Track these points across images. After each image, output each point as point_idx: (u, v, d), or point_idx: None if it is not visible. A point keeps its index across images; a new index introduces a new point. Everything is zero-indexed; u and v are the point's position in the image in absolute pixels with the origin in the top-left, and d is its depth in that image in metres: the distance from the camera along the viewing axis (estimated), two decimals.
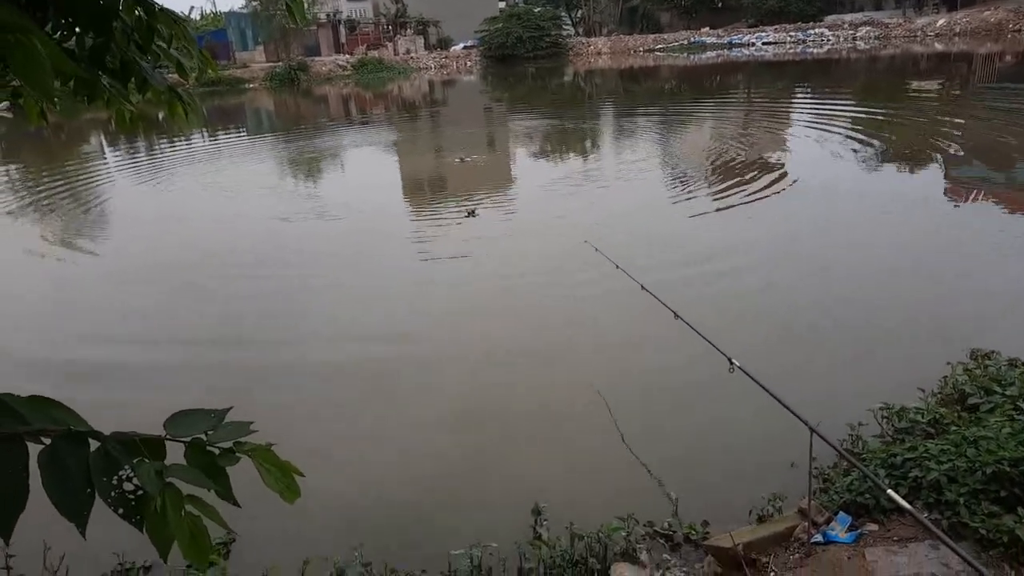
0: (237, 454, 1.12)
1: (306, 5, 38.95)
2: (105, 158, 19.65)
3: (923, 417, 3.74)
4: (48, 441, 1.01)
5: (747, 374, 3.14)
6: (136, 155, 19.29)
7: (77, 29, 2.20)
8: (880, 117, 16.25)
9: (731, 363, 3.26)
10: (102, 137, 22.56)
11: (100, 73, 2.35)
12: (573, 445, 4.44)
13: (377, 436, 4.72)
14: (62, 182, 15.05)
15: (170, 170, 16.30)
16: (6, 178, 17.39)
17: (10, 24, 1.03)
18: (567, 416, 4.74)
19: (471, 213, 9.81)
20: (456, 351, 5.84)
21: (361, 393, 5.29)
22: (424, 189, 13.14)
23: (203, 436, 1.11)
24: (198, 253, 9.07)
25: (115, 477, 1.00)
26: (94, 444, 1.03)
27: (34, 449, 1.01)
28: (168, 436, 1.10)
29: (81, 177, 15.76)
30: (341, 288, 7.47)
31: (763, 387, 3.02)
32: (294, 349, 6.07)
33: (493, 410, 4.89)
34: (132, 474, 1.01)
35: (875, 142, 13.06)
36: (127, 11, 2.02)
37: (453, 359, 5.70)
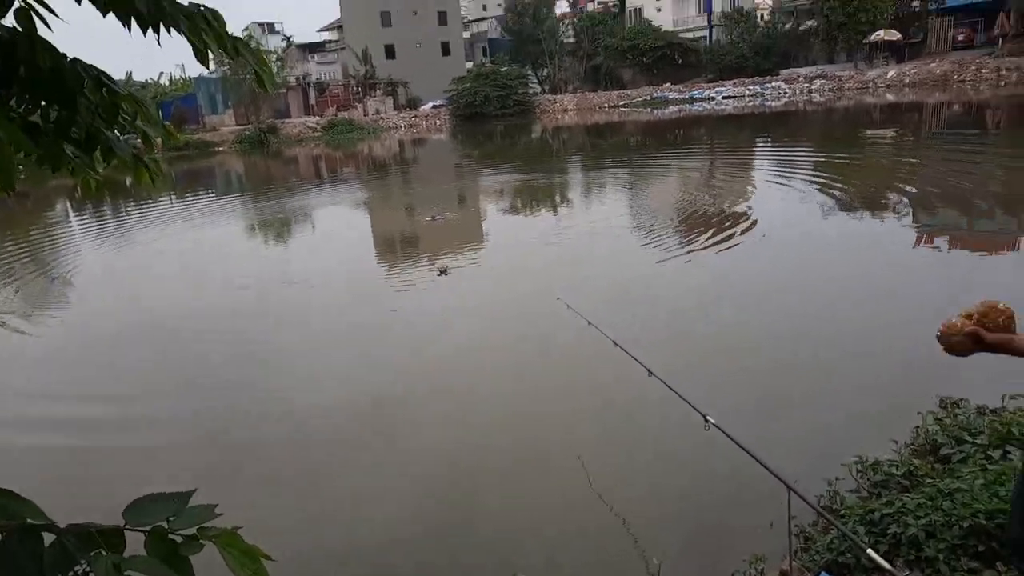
0: (201, 540, 1.08)
1: (275, 70, 39.52)
2: (71, 223, 19.44)
3: (897, 470, 3.73)
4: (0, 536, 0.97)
5: (723, 431, 3.13)
6: (103, 219, 19.11)
7: (43, 104, 2.21)
8: (839, 163, 16.79)
9: (706, 420, 3.25)
10: (68, 203, 22.35)
11: (64, 143, 2.35)
12: (549, 508, 4.37)
13: (345, 501, 4.60)
14: (25, 249, 14.81)
15: (136, 234, 16.15)
16: None
17: None
18: (541, 477, 4.67)
19: (443, 272, 9.82)
20: (427, 414, 5.76)
21: (325, 465, 5.17)
22: (395, 248, 13.17)
23: (164, 523, 1.07)
24: (156, 319, 8.91)
25: (71, 573, 0.96)
26: (49, 537, 0.99)
27: None
28: (127, 525, 1.06)
29: (45, 244, 15.53)
30: (306, 351, 7.36)
31: (739, 445, 3.01)
32: (255, 415, 5.94)
33: (465, 475, 4.80)
34: (88, 569, 0.97)
35: (836, 188, 13.45)
36: (91, 91, 2.03)
37: (424, 422, 5.62)
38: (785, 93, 43.39)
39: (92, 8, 1.78)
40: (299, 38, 65.07)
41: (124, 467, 5.23)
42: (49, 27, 1.94)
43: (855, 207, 12.18)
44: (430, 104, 52.69)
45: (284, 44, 55.76)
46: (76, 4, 1.70)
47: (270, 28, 63.60)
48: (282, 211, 18.66)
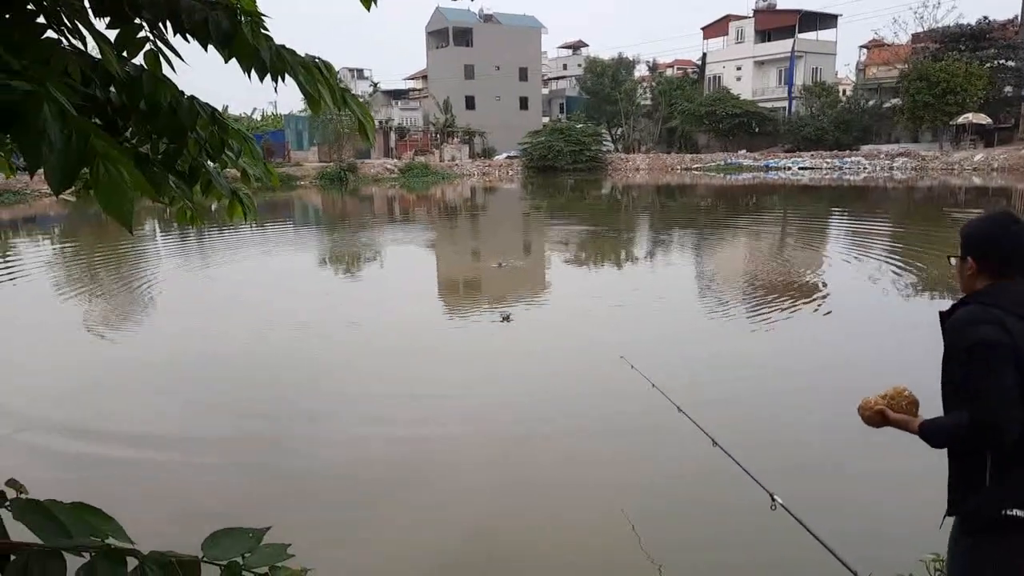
0: None
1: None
2: (156, 241, 20.49)
3: None
4: (87, 556, 0.99)
5: (790, 513, 2.99)
6: (186, 240, 20.06)
7: (153, 136, 2.34)
8: (919, 245, 16.24)
9: (773, 499, 3.11)
10: (156, 222, 23.57)
11: (168, 174, 2.48)
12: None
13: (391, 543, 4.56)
14: (113, 263, 15.65)
15: (214, 258, 16.87)
16: (61, 256, 18.17)
17: (105, 155, 1.10)
18: (594, 550, 4.53)
19: (506, 318, 9.87)
20: (479, 468, 5.71)
21: (366, 514, 5.16)
22: (459, 291, 13.33)
23: (239, 559, 1.08)
24: (225, 345, 9.19)
25: None
26: (132, 562, 1.01)
27: (73, 562, 0.99)
28: (204, 558, 1.08)
29: (130, 258, 16.38)
30: (357, 396, 7.42)
31: (808, 529, 2.87)
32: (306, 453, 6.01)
33: (513, 541, 4.69)
34: None
35: (914, 268, 12.99)
36: (203, 127, 2.15)
37: (475, 476, 5.56)
38: (865, 168, 42.56)
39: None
40: (385, 84, 67.90)
41: (170, 484, 5.35)
42: (173, 68, 2.08)
43: (932, 288, 11.71)
44: (504, 155, 53.87)
45: (371, 89, 58.19)
46: (203, 50, 1.82)
47: (359, 73, 66.59)
48: (353, 246, 19.21)
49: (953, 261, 2.39)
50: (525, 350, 8.63)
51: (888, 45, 52.60)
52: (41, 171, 1.10)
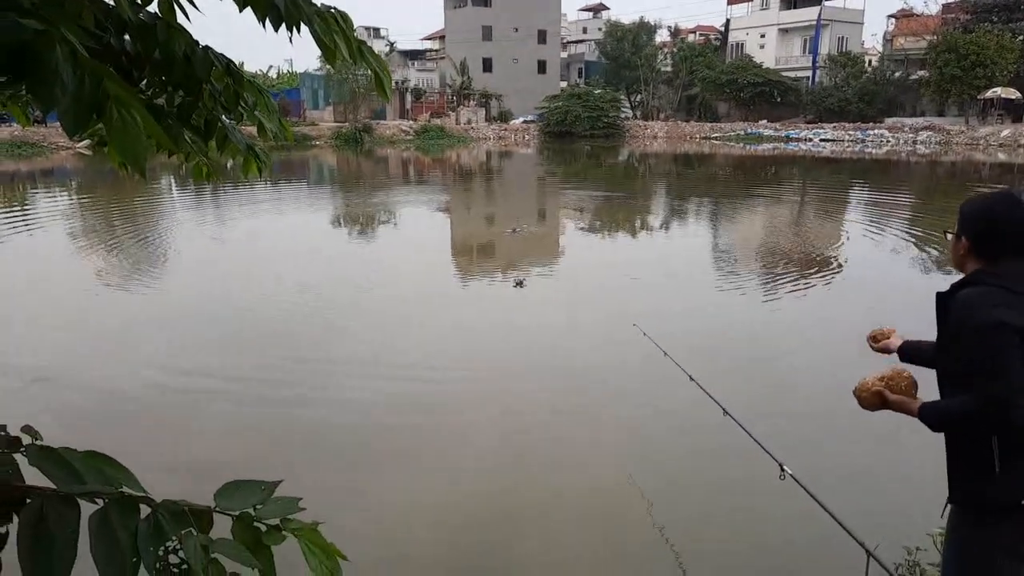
0: (284, 532, 1.09)
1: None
2: (172, 196, 20.57)
3: None
4: (99, 503, 1.00)
5: (799, 483, 2.99)
6: (201, 196, 20.12)
7: (168, 88, 2.31)
8: (939, 220, 16.00)
9: (782, 469, 3.11)
10: (172, 178, 23.63)
11: (183, 128, 2.46)
12: (607, 546, 4.26)
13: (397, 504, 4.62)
14: (128, 217, 15.73)
15: (229, 213, 16.92)
16: (79, 209, 18.28)
17: (118, 98, 1.08)
18: (602, 511, 4.57)
19: (519, 284, 9.85)
20: (487, 432, 5.74)
21: (374, 474, 5.21)
22: (472, 256, 13.30)
23: (251, 510, 1.09)
24: (236, 301, 9.25)
25: (162, 548, 0.98)
26: (145, 510, 1.01)
27: (86, 509, 1.00)
28: (217, 508, 1.08)
29: (145, 212, 16.46)
30: (366, 357, 7.46)
31: (816, 500, 2.87)
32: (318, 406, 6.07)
33: (522, 503, 4.73)
34: (179, 546, 0.99)
35: (933, 245, 12.82)
36: (217, 78, 2.11)
37: (479, 438, 5.60)
38: (888, 141, 41.83)
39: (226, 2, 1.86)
40: (402, 44, 67.10)
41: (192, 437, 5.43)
42: (188, 16, 2.04)
43: (950, 265, 11.55)
44: (521, 119, 53.30)
45: (387, 49, 57.53)
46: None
47: (375, 33, 65.78)
48: (367, 207, 19.19)
49: (949, 236, 2.33)
50: (537, 316, 8.62)
51: (917, 15, 51.23)
52: (57, 124, 1.08)
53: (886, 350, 2.83)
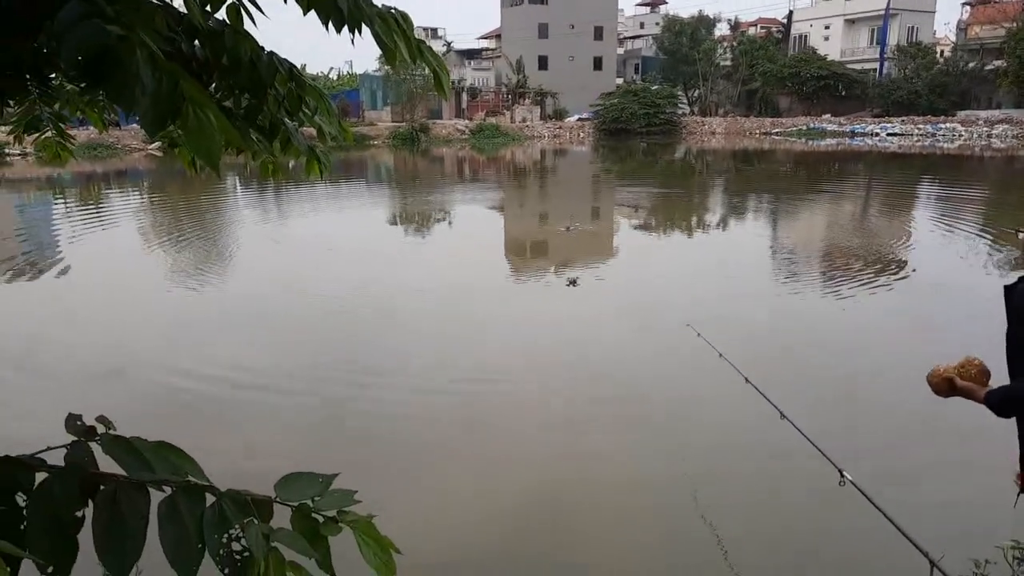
0: (340, 523, 1.12)
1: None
2: (237, 195, 21.27)
3: None
4: (167, 491, 1.04)
5: (859, 490, 2.90)
6: (264, 194, 20.73)
7: (236, 92, 2.41)
8: (1017, 216, 15.23)
9: (842, 475, 3.03)
10: (237, 178, 24.40)
11: (250, 129, 2.55)
12: (658, 550, 4.22)
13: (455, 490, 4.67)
14: (196, 214, 16.34)
15: (290, 210, 17.37)
16: (148, 208, 19.09)
17: (193, 98, 1.13)
18: (654, 513, 4.52)
19: (573, 282, 9.82)
20: (541, 430, 5.75)
21: (428, 469, 5.28)
22: (526, 254, 13.32)
23: (310, 502, 1.12)
24: (299, 299, 9.49)
25: (225, 535, 1.02)
26: (209, 499, 1.05)
27: (154, 496, 1.04)
28: (277, 499, 1.12)
29: (212, 210, 17.05)
30: (423, 354, 7.55)
31: (877, 507, 2.79)
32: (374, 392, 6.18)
33: (574, 503, 4.71)
34: (241, 534, 1.03)
35: (1006, 246, 12.21)
36: (281, 83, 2.18)
37: (537, 438, 5.61)
38: (960, 136, 40.06)
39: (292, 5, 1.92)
40: (458, 44, 67.57)
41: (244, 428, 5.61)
42: (254, 22, 2.10)
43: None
44: (576, 116, 53.02)
45: (444, 49, 58.02)
46: (282, 2, 1.83)
47: (432, 33, 66.46)
48: (422, 205, 19.43)
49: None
50: (591, 314, 8.58)
51: (995, 2, 48.76)
52: (131, 127, 1.14)
53: (971, 395, 2.43)
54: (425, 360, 7.12)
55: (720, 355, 4.93)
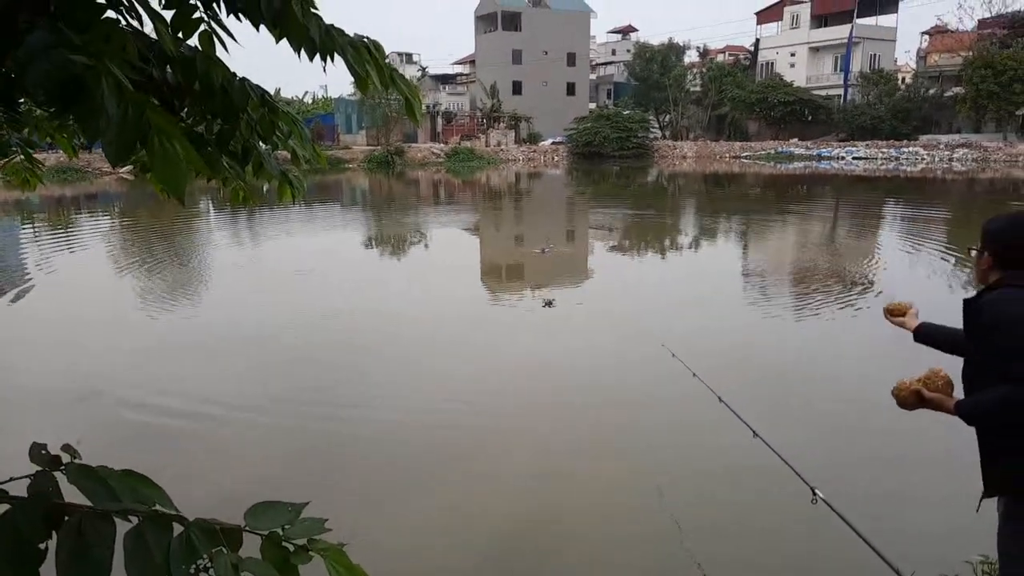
0: (311, 552, 1.11)
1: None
2: (209, 219, 21.05)
3: None
4: (134, 520, 1.03)
5: (832, 508, 2.93)
6: (236, 217, 20.56)
7: (208, 117, 2.41)
8: (975, 240, 15.63)
9: (814, 493, 3.06)
10: (209, 201, 24.19)
11: (222, 154, 2.54)
12: (632, 569, 4.21)
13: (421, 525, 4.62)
14: (167, 239, 16.14)
15: (264, 232, 17.24)
16: (119, 232, 18.81)
17: (159, 128, 1.13)
18: (632, 538, 4.52)
19: (548, 303, 9.86)
20: (517, 454, 5.73)
21: (401, 494, 5.23)
22: (502, 276, 13.35)
23: (280, 531, 1.11)
24: (271, 324, 9.39)
25: (193, 566, 1.00)
26: (177, 528, 1.04)
27: (120, 526, 1.03)
28: (247, 528, 1.10)
29: (183, 234, 16.85)
30: (396, 377, 7.53)
31: (849, 524, 2.82)
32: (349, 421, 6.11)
33: (552, 528, 4.69)
34: (209, 564, 1.01)
35: (968, 264, 12.52)
36: (253, 108, 2.19)
37: (513, 462, 5.59)
38: (923, 159, 41.14)
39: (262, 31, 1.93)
40: (433, 69, 68.08)
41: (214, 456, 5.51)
42: (227, 49, 2.11)
43: None
44: (550, 140, 53.56)
45: (419, 74, 58.42)
46: (255, 31, 1.84)
47: (407, 58, 66.87)
48: (397, 228, 19.40)
49: (973, 252, 2.55)
50: (567, 336, 8.61)
51: (952, 31, 50.46)
52: (100, 150, 1.14)
53: (903, 326, 3.04)
54: (398, 384, 7.07)
55: (694, 375, 4.97)
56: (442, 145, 49.59)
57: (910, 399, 2.45)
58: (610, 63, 72.24)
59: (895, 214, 21.91)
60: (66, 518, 1.04)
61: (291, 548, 1.10)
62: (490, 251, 16.59)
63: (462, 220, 22.12)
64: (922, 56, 53.27)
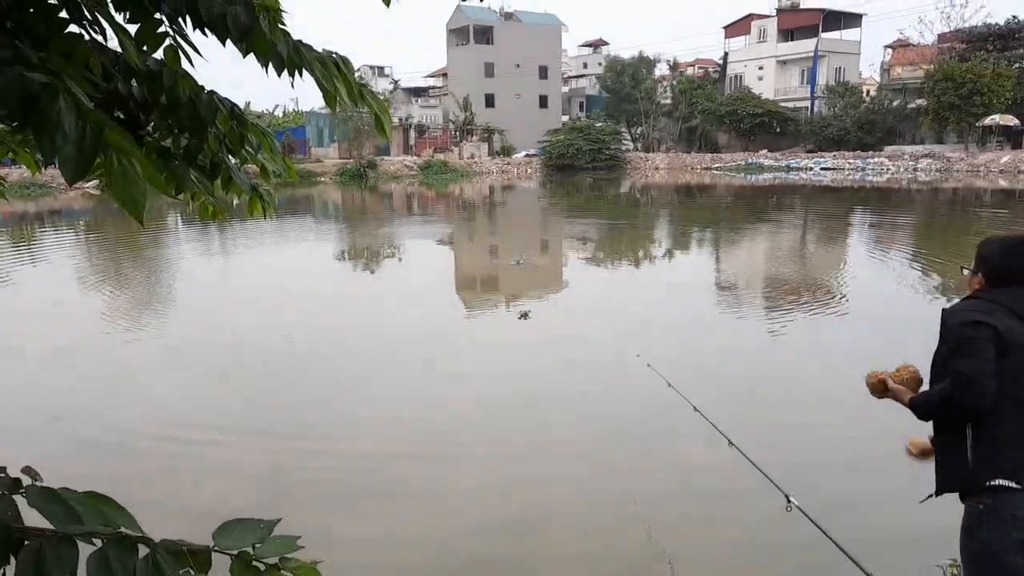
0: (283, 570, 1.09)
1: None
2: (178, 234, 20.75)
3: None
4: (97, 543, 1.00)
5: (805, 515, 2.97)
6: (207, 232, 20.29)
7: (175, 131, 2.37)
8: (941, 247, 16.00)
9: (788, 500, 3.09)
10: (178, 215, 23.85)
11: (190, 169, 2.51)
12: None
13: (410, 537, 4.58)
14: (134, 254, 15.86)
15: (235, 248, 17.04)
16: (85, 248, 18.45)
17: (117, 147, 1.11)
18: (608, 547, 4.52)
19: (524, 315, 9.86)
20: (492, 465, 5.71)
21: (374, 510, 5.18)
22: (476, 288, 13.34)
23: (250, 549, 1.09)
24: (242, 339, 9.28)
25: None
26: (142, 550, 1.02)
27: (83, 549, 1.00)
28: (216, 547, 1.08)
29: (151, 250, 16.59)
30: (370, 392, 7.47)
31: (823, 531, 2.85)
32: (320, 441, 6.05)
33: (527, 538, 4.69)
34: None
35: (936, 271, 12.81)
36: (222, 121, 2.17)
37: (484, 466, 5.57)
38: (888, 169, 42.03)
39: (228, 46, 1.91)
40: (406, 82, 68.14)
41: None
42: (192, 63, 2.09)
43: (955, 291, 11.53)
44: (523, 153, 53.82)
45: (391, 87, 58.41)
46: (221, 46, 1.83)
47: (380, 71, 66.86)
48: (369, 241, 19.30)
49: (965, 272, 2.61)
50: (542, 347, 8.61)
51: (914, 45, 51.80)
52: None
53: (897, 399, 2.65)
54: (371, 394, 7.01)
55: (669, 384, 5.00)
56: (415, 158, 49.58)
57: (878, 387, 2.65)
58: (582, 76, 72.94)
59: (863, 222, 22.33)
60: (26, 543, 1.01)
61: (262, 567, 1.09)
62: (465, 263, 16.58)
63: (437, 232, 22.09)
64: (886, 69, 54.62)
